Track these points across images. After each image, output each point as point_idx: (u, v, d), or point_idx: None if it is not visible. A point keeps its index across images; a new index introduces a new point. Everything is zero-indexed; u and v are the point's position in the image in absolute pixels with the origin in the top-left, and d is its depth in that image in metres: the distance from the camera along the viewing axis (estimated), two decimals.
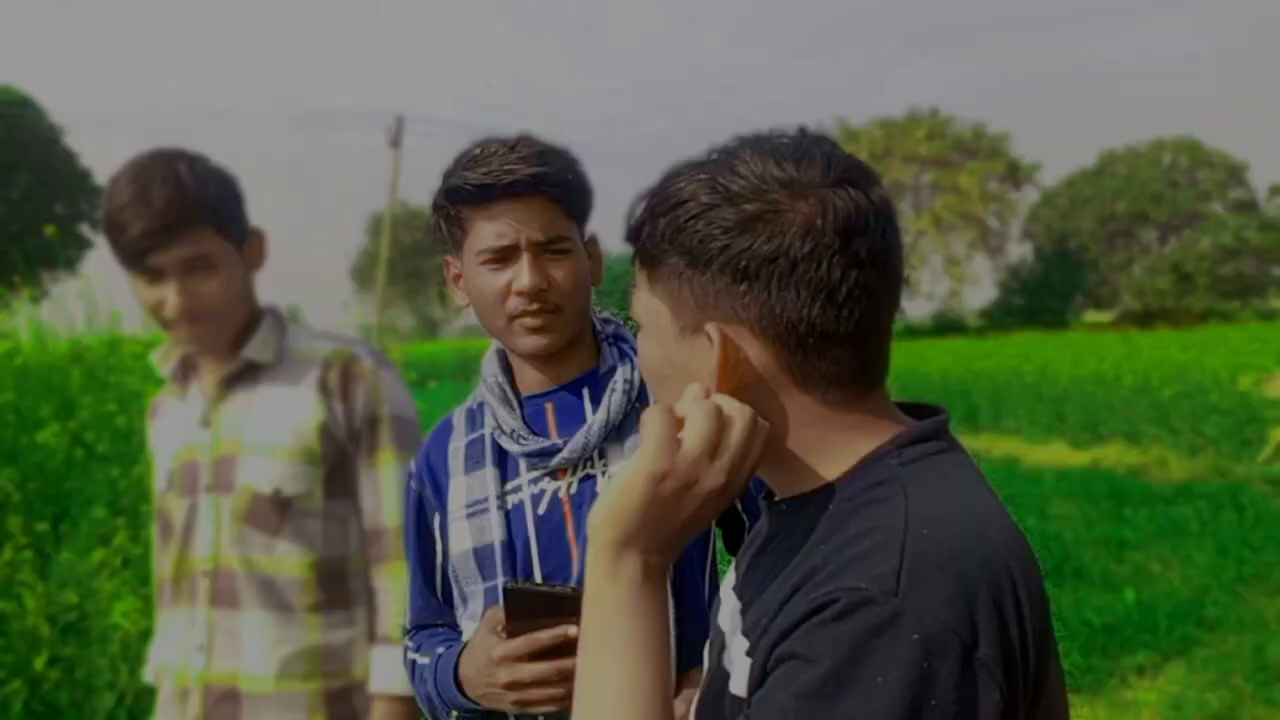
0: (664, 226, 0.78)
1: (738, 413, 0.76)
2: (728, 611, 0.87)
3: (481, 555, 1.29)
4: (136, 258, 1.49)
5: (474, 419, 1.37)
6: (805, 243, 0.73)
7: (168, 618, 1.65)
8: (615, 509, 0.76)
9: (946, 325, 42.24)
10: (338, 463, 1.62)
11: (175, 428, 1.68)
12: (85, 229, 30.47)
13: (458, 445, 1.36)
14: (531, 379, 1.34)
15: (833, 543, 0.72)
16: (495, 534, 1.28)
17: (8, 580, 3.13)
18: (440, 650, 1.33)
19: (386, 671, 1.61)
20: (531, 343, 1.26)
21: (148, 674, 1.74)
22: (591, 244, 1.34)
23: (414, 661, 1.37)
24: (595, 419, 1.26)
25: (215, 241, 1.52)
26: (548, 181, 1.23)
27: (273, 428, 1.59)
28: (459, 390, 11.35)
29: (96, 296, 5.85)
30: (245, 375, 1.62)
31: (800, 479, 0.81)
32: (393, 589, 1.64)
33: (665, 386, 0.84)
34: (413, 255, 53.61)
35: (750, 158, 0.77)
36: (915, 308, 45.24)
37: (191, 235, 1.49)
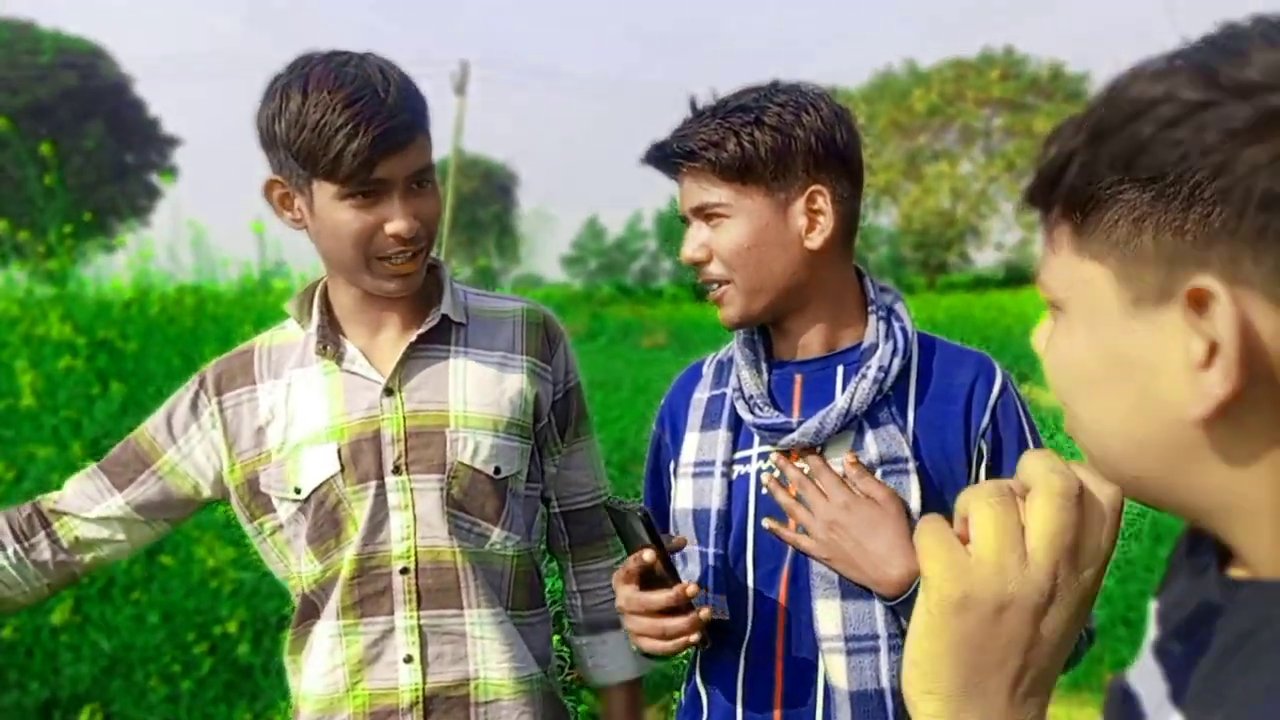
0: (1115, 148, 0.51)
1: (1043, 482, 0.52)
2: None
3: (699, 519, 1.25)
4: (362, 170, 1.19)
5: (722, 372, 1.32)
6: None
7: (332, 633, 1.33)
8: (916, 659, 0.55)
9: (1017, 276, 40.92)
10: (534, 437, 1.42)
11: (322, 399, 1.35)
12: (154, 178, 30.88)
13: (701, 396, 1.31)
14: (784, 345, 1.27)
15: None
16: (714, 501, 1.23)
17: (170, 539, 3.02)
18: None
19: (614, 658, 1.48)
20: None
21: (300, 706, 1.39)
22: None
23: None
24: (836, 405, 1.17)
25: (429, 150, 1.28)
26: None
27: (482, 396, 1.36)
28: None
29: (208, 244, 5.78)
30: (427, 336, 1.36)
31: None
32: (609, 569, 1.48)
33: (1100, 396, 0.57)
34: (470, 204, 53.69)
35: (1262, 40, 0.50)
36: (985, 258, 44.16)
37: (418, 142, 1.24)
